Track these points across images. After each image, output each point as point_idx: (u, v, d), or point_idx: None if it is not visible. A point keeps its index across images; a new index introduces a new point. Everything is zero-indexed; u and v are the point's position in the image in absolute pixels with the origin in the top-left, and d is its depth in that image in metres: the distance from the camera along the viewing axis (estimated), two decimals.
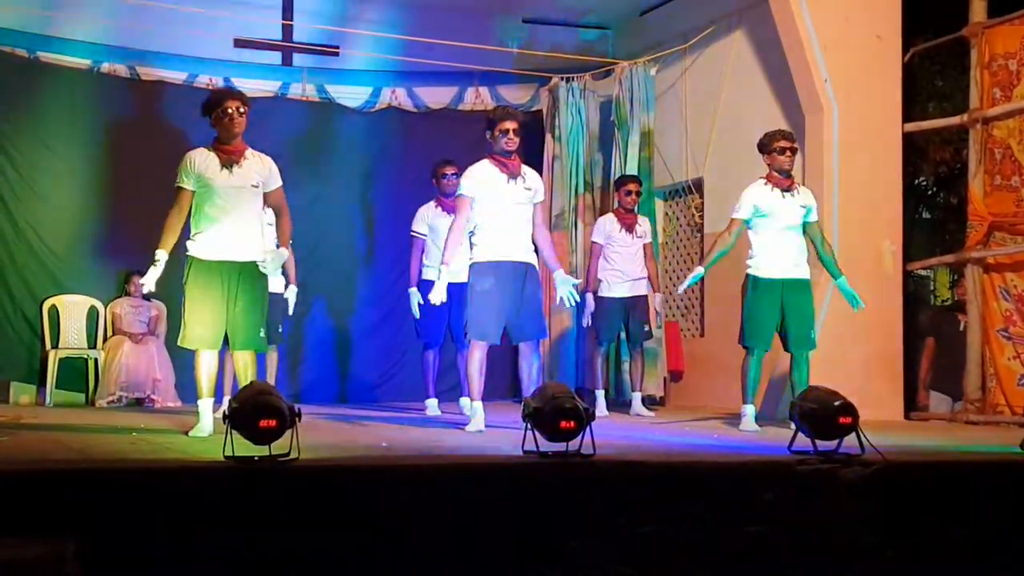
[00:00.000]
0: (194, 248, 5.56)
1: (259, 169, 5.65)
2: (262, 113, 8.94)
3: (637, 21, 10.30)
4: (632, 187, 8.15)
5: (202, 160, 5.54)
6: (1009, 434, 6.29)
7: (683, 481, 4.13)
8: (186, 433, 5.50)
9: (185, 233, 5.66)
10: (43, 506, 3.36)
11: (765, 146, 6.51)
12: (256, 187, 5.63)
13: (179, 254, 5.67)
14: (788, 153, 6.46)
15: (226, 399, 6.37)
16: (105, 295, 9.18)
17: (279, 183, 5.75)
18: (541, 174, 7.50)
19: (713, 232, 9.31)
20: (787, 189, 6.48)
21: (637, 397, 8.18)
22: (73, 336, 9.01)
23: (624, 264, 8.05)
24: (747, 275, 6.58)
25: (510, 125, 6.12)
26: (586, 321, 8.17)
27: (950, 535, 4.30)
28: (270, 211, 5.92)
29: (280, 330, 7.57)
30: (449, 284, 7.61)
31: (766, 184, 6.50)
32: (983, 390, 7.93)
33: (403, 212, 8.57)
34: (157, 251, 5.50)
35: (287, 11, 9.59)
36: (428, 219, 7.80)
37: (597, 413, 5.30)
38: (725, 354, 7.99)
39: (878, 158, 8.12)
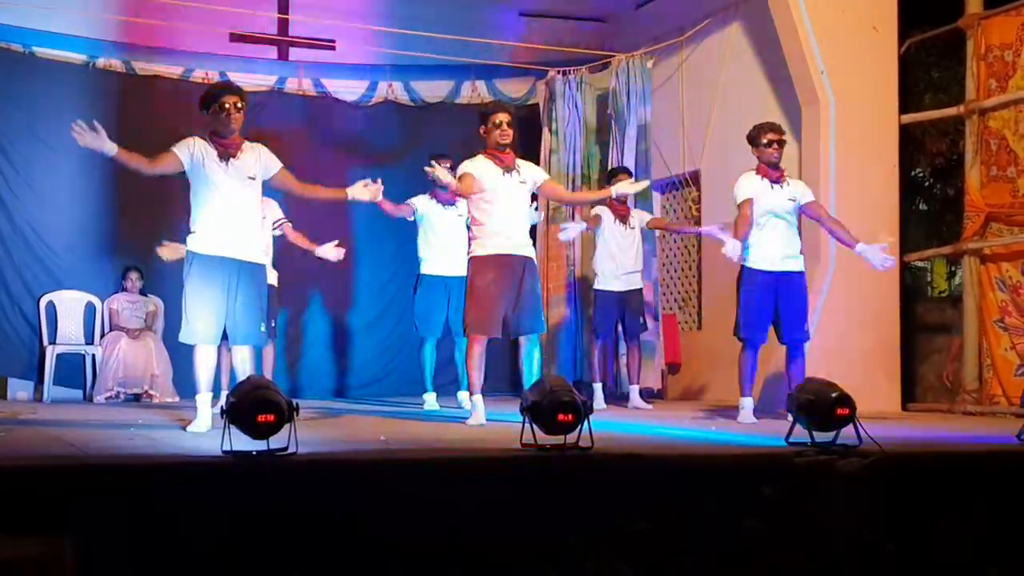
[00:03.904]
0: (194, 243, 5.56)
1: (254, 161, 5.64)
2: (258, 107, 8.99)
3: (633, 14, 10.29)
4: (622, 178, 8.15)
5: (203, 148, 5.54)
6: (1006, 424, 6.29)
7: (681, 474, 4.13)
8: (184, 428, 5.50)
9: (185, 228, 5.66)
10: (40, 503, 3.36)
11: (754, 139, 6.55)
12: (253, 179, 5.62)
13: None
14: (776, 146, 6.50)
15: (224, 394, 6.37)
16: (102, 291, 9.18)
17: (279, 165, 5.71)
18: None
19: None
20: (776, 181, 6.52)
21: (635, 390, 8.19)
22: (71, 332, 9.01)
23: (619, 256, 8.06)
24: (741, 267, 6.60)
25: (503, 118, 6.14)
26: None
27: (948, 526, 4.30)
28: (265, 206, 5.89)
29: (273, 324, 7.59)
30: (447, 277, 7.70)
31: (756, 174, 6.55)
32: (980, 381, 7.94)
33: None
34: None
35: (283, 5, 9.58)
36: (422, 208, 7.82)
37: (595, 406, 5.32)
38: (722, 347, 7.98)
39: (875, 150, 8.12)
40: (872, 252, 6.37)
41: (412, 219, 7.90)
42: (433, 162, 6.30)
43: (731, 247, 6.36)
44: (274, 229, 7.72)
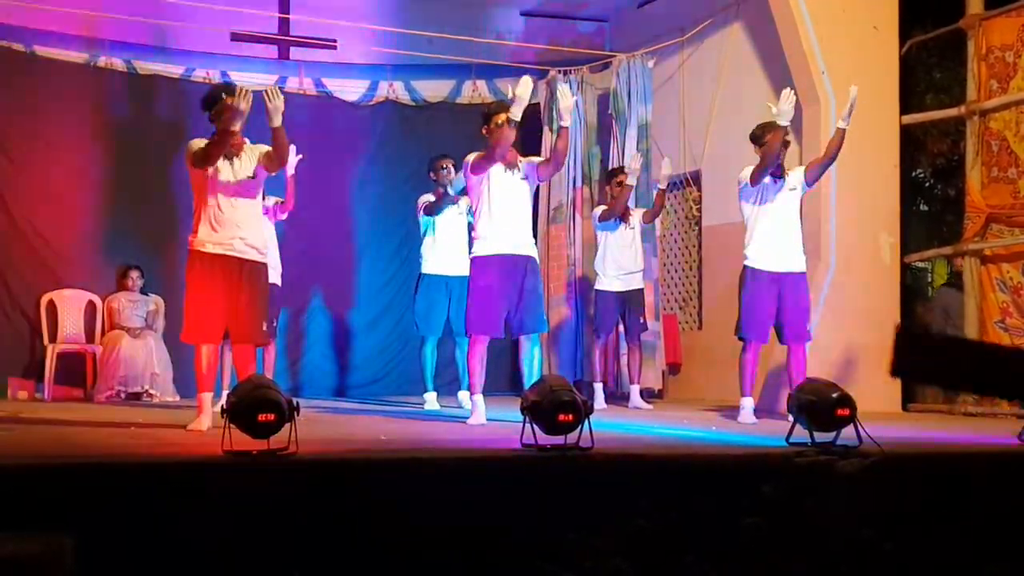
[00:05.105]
0: (196, 242, 5.58)
1: (255, 161, 5.65)
2: (259, 107, 8.94)
3: (634, 14, 10.29)
4: (622, 178, 8.16)
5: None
6: (1007, 425, 6.29)
7: (681, 474, 4.13)
8: (184, 427, 5.50)
9: (187, 227, 5.66)
10: (40, 502, 3.36)
11: (758, 138, 6.52)
12: (253, 177, 5.64)
13: (181, 248, 5.69)
14: (782, 147, 6.50)
15: (224, 393, 6.38)
16: (103, 289, 9.18)
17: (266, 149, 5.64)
18: None
19: (712, 225, 9.36)
20: (777, 176, 6.53)
21: (635, 390, 8.19)
22: (71, 331, 9.00)
23: (620, 255, 8.06)
24: (744, 267, 6.60)
25: (506, 118, 6.13)
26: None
27: (948, 526, 4.31)
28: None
29: (275, 324, 7.59)
30: (448, 277, 7.70)
31: None
32: None
33: (401, 206, 8.58)
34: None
35: (284, 4, 9.57)
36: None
37: (595, 406, 5.31)
38: (723, 347, 7.99)
39: (876, 150, 8.12)
40: (846, 106, 6.31)
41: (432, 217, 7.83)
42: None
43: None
44: (279, 214, 7.69)
